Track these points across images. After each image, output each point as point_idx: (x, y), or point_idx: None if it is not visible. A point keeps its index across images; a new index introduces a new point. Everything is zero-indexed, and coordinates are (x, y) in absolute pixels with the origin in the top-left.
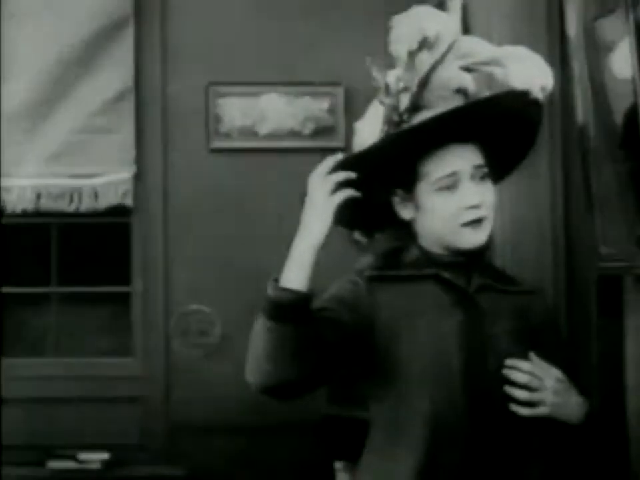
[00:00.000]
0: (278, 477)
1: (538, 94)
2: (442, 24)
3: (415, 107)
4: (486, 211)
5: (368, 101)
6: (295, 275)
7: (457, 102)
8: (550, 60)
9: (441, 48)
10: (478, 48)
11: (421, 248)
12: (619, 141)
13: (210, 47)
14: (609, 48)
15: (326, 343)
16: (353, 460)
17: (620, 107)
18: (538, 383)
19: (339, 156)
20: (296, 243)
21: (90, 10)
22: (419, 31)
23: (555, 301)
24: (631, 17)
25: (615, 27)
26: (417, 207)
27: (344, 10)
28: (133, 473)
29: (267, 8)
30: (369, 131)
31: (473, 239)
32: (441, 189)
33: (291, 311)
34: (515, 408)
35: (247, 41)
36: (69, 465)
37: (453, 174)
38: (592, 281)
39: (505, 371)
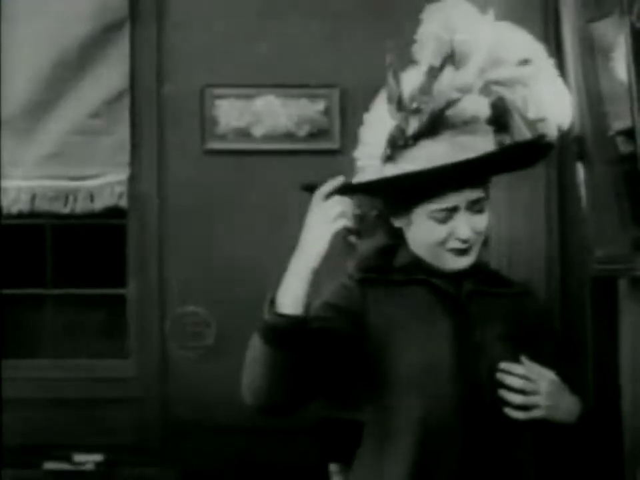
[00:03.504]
0: (273, 478)
1: (553, 133)
2: (474, 28)
3: (422, 134)
4: (474, 241)
5: (364, 103)
6: (292, 298)
7: (467, 132)
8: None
9: (467, 70)
10: (508, 52)
11: (411, 252)
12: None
13: (205, 49)
14: (605, 51)
15: (321, 357)
16: (347, 462)
17: (615, 109)
18: (532, 387)
19: (340, 179)
20: (292, 263)
21: (86, 12)
22: (447, 33)
23: (549, 303)
24: (627, 20)
25: (610, 30)
26: (409, 222)
27: (340, 12)
28: (127, 475)
29: (262, 10)
30: (375, 125)
31: (457, 264)
32: (434, 218)
33: (289, 337)
34: (509, 412)
35: (243, 42)
36: (64, 466)
37: (450, 209)
38: (586, 283)
39: (499, 375)
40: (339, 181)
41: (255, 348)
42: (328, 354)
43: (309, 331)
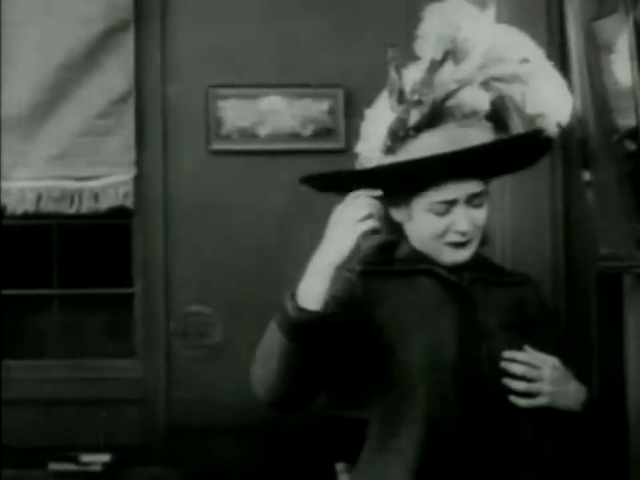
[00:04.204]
0: (278, 479)
1: (553, 129)
2: (475, 27)
3: (423, 125)
4: (473, 234)
5: (368, 102)
6: (314, 293)
7: (467, 125)
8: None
9: (468, 63)
10: (509, 52)
11: (411, 246)
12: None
13: (210, 50)
14: (609, 48)
15: (330, 352)
16: (352, 461)
17: (620, 107)
18: (535, 373)
19: (375, 194)
20: (316, 258)
21: (91, 13)
22: (449, 30)
23: (554, 301)
24: (631, 17)
25: (614, 28)
26: (409, 216)
27: (344, 11)
28: (133, 475)
29: (266, 10)
30: (376, 120)
31: (455, 257)
32: (434, 211)
33: (310, 332)
34: (513, 399)
35: (247, 43)
36: (70, 466)
37: (449, 202)
38: (592, 281)
39: (502, 363)
40: (373, 197)
41: (272, 342)
42: (336, 348)
43: (325, 326)
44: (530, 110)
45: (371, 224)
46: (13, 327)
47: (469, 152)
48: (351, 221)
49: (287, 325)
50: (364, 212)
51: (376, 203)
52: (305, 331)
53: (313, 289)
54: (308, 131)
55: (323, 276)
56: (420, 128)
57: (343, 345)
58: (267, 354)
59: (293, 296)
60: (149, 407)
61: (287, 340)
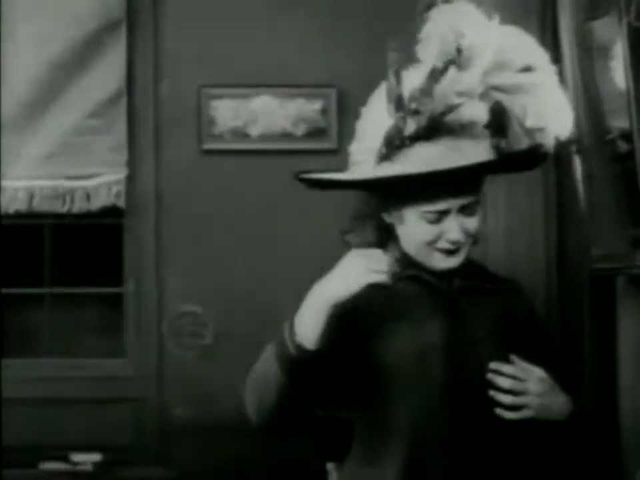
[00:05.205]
0: (270, 478)
1: (550, 144)
2: (481, 34)
3: (419, 136)
4: (464, 242)
5: (361, 102)
6: (313, 329)
7: (464, 136)
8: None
9: (470, 75)
10: (513, 58)
11: (401, 249)
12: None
13: (202, 49)
14: (602, 50)
15: (323, 377)
16: (342, 460)
17: (613, 108)
18: (522, 387)
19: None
20: (316, 294)
21: (83, 12)
22: (453, 35)
23: (547, 302)
24: (624, 21)
25: (608, 29)
26: (400, 219)
27: (337, 12)
28: (125, 475)
29: (259, 10)
30: (372, 121)
31: (446, 263)
32: (426, 219)
33: (308, 368)
34: (499, 412)
35: (240, 42)
36: (61, 466)
37: (441, 211)
38: (585, 281)
39: (489, 376)
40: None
41: (270, 372)
42: (327, 368)
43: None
44: (530, 123)
45: (379, 278)
46: (4, 326)
47: (466, 169)
48: (361, 270)
49: (283, 358)
50: (379, 266)
51: (389, 260)
52: (299, 366)
53: (312, 327)
54: (300, 130)
55: (318, 314)
56: (416, 138)
57: (335, 363)
58: (263, 380)
59: (292, 327)
60: (141, 407)
61: (280, 370)
